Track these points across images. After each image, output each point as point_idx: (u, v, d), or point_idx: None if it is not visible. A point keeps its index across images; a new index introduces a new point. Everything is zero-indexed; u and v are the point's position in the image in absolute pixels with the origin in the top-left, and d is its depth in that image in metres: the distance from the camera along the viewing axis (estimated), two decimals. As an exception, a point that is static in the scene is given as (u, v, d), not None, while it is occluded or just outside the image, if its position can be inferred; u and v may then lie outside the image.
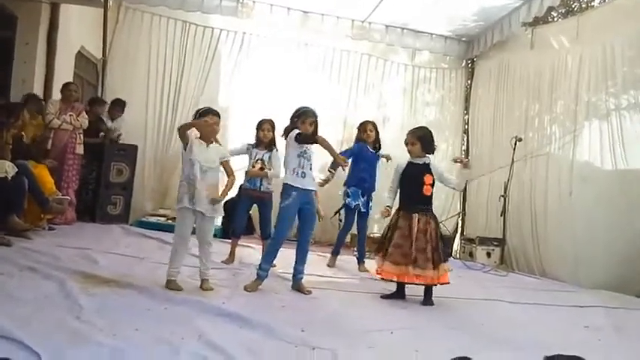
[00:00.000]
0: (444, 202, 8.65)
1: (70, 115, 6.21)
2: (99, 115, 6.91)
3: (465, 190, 8.65)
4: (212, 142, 3.85)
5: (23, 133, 5.57)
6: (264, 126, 5.20)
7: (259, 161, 5.16)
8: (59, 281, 3.43)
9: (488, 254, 6.84)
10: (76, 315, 2.75)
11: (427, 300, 4.00)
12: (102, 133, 6.94)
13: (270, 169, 5.12)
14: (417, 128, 4.38)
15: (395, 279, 4.05)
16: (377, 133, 5.70)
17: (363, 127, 5.73)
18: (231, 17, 7.59)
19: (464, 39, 8.37)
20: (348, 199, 5.58)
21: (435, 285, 4.02)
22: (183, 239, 3.76)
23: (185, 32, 7.97)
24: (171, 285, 3.63)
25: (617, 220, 5.31)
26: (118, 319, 2.75)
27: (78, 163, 6.42)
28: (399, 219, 4.08)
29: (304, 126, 4.06)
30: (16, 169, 4.92)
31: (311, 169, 4.10)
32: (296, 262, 4.14)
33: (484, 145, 8.21)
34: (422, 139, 4.16)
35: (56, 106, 6.18)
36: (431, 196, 4.15)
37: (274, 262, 4.20)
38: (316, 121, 4.11)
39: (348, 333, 3.00)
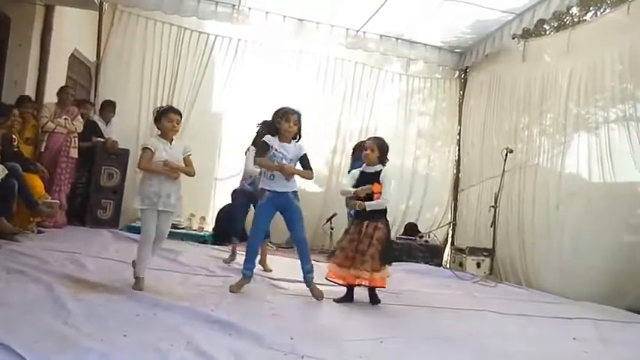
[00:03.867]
0: (435, 212, 8.71)
1: (65, 119, 6.19)
2: (85, 116, 6.84)
3: (456, 200, 8.72)
4: (172, 140, 3.81)
5: (14, 136, 5.54)
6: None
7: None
8: (47, 285, 3.41)
9: (478, 264, 6.85)
10: (63, 320, 2.73)
11: (373, 299, 4.14)
12: (98, 138, 6.91)
13: None
14: (377, 137, 4.48)
15: (340, 281, 4.13)
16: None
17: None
18: (227, 23, 7.61)
19: (457, 50, 8.43)
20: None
21: (374, 287, 4.12)
22: (151, 239, 3.75)
23: (180, 37, 7.97)
24: (139, 285, 3.64)
25: (604, 233, 5.33)
26: (106, 325, 2.74)
27: (71, 167, 6.40)
28: (351, 226, 4.20)
29: (287, 124, 4.09)
30: (6, 172, 4.89)
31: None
32: (301, 261, 4.21)
33: (475, 156, 8.25)
34: (380, 148, 4.23)
35: (51, 110, 6.16)
36: None
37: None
38: (299, 119, 4.13)
39: (337, 342, 3.00)
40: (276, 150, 4.09)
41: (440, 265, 7.46)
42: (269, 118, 4.48)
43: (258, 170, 4.84)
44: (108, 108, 7.21)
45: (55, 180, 6.13)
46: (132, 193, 7.39)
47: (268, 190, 4.12)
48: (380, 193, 4.15)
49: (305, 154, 4.20)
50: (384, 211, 4.24)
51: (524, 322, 4.13)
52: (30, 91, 6.36)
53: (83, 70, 7.81)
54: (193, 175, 3.90)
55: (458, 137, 8.98)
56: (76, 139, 6.35)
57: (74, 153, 6.36)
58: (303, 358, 2.57)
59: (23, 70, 6.36)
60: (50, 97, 6.44)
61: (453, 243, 8.40)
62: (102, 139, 6.96)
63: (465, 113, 8.78)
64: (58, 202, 5.92)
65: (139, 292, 3.55)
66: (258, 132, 5.10)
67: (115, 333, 2.61)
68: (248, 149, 5.34)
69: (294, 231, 4.25)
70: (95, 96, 7.68)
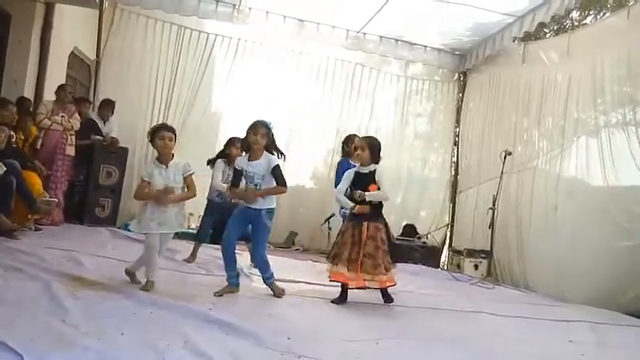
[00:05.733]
0: (433, 213, 8.72)
1: (62, 117, 6.19)
2: (85, 115, 6.84)
3: (454, 201, 8.73)
4: (171, 161, 3.77)
5: (13, 133, 5.53)
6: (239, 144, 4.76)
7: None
8: (45, 283, 3.41)
9: (476, 266, 6.86)
10: (61, 318, 2.73)
11: (387, 298, 4.20)
12: (97, 136, 6.90)
13: None
14: (367, 136, 4.47)
15: (348, 284, 4.07)
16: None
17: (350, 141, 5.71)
18: (227, 23, 7.61)
19: (457, 52, 8.44)
20: (343, 210, 5.60)
21: (386, 287, 4.16)
22: (155, 250, 3.78)
23: (180, 36, 7.97)
24: (149, 287, 3.64)
25: (601, 236, 5.32)
26: (104, 323, 2.73)
27: (68, 165, 6.39)
28: (349, 227, 4.14)
29: (254, 137, 3.87)
30: (5, 169, 4.89)
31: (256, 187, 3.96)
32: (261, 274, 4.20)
33: (473, 158, 8.27)
34: (371, 147, 4.19)
35: (48, 107, 6.16)
36: (380, 204, 4.18)
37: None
38: (267, 132, 3.90)
39: (334, 342, 3.00)
40: (246, 170, 3.92)
41: (437, 266, 7.47)
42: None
43: (225, 186, 4.80)
44: (107, 107, 7.19)
45: (51, 177, 6.12)
46: (130, 191, 7.43)
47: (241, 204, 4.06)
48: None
49: (275, 166, 3.87)
50: (381, 210, 4.21)
51: (522, 325, 4.14)
52: (29, 88, 6.36)
53: (83, 68, 7.81)
54: (193, 197, 3.89)
55: (456, 139, 9.00)
56: (73, 137, 6.34)
57: (70, 151, 6.35)
58: (300, 358, 2.57)
59: (23, 67, 6.36)
60: (49, 94, 6.44)
61: (450, 244, 8.41)
62: (100, 137, 6.95)
63: (464, 115, 8.79)
64: (57, 200, 5.92)
65: (137, 291, 3.54)
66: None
67: (112, 331, 2.61)
68: (214, 162, 5.25)
69: (253, 249, 4.23)
70: (95, 94, 7.67)
